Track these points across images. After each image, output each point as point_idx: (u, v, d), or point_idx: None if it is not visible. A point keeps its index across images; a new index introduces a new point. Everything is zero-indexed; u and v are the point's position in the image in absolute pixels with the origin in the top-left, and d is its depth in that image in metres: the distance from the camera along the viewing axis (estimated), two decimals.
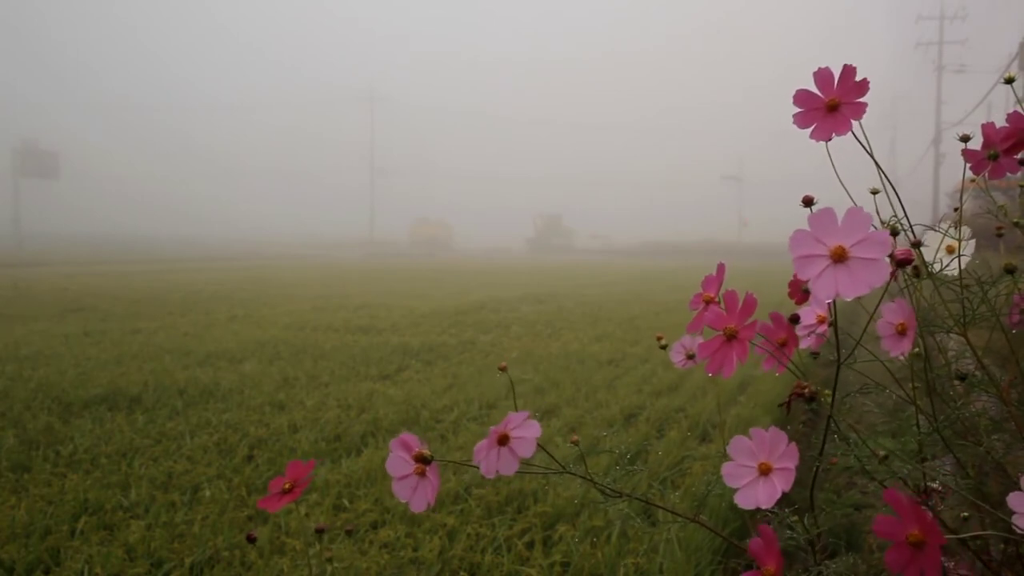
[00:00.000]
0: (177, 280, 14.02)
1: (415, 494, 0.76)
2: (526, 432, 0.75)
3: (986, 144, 0.91)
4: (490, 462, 0.74)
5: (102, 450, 3.03)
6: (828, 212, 0.65)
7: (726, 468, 0.74)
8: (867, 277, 0.63)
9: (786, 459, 0.72)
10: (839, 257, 0.64)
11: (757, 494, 0.71)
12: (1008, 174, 0.91)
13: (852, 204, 0.69)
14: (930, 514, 0.61)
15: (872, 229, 0.63)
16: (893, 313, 0.79)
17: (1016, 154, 0.90)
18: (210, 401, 3.92)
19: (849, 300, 0.69)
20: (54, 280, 13.54)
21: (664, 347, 0.99)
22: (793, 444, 0.72)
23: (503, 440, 0.74)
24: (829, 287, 0.64)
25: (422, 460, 0.74)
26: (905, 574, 0.60)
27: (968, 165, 0.91)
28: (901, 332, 0.78)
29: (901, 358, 0.88)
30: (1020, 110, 0.90)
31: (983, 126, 0.91)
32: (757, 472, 0.72)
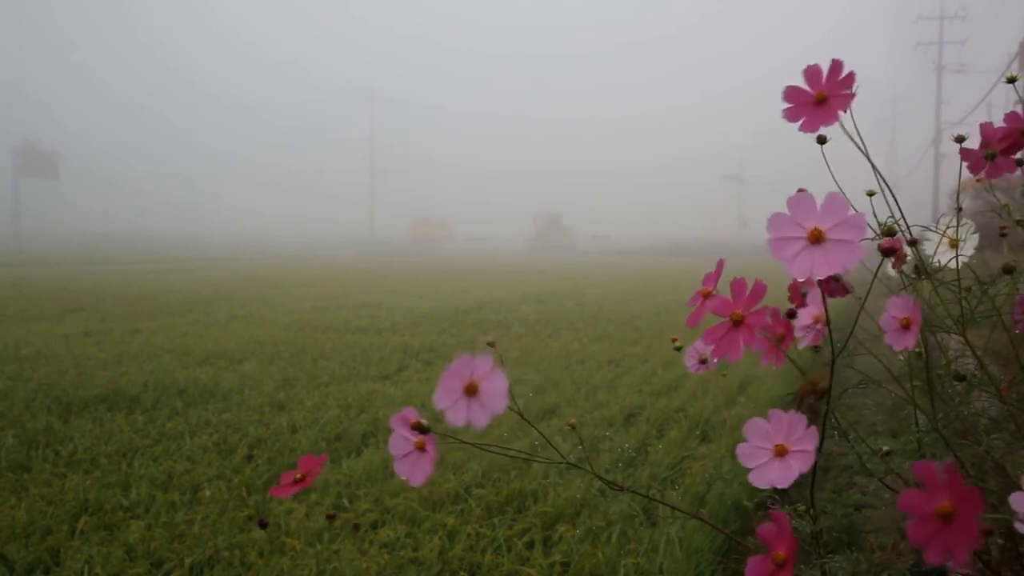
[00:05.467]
0: (177, 280, 14.02)
1: (415, 469, 0.77)
2: (495, 384, 0.73)
3: (984, 144, 0.91)
4: (458, 412, 0.73)
5: (102, 450, 3.03)
6: (806, 196, 0.66)
7: (741, 448, 0.74)
8: (842, 258, 0.64)
9: (804, 441, 0.71)
10: (816, 239, 0.65)
11: (771, 474, 0.71)
12: (1006, 174, 0.92)
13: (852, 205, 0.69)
14: (966, 482, 0.58)
15: (850, 212, 0.65)
16: (898, 308, 0.79)
17: (1013, 154, 0.90)
18: (210, 401, 3.92)
19: (851, 289, 0.69)
20: (54, 280, 13.54)
21: (679, 349, 0.99)
22: (813, 427, 0.71)
23: (472, 390, 0.73)
24: (804, 267, 0.65)
25: (419, 429, 0.75)
26: (928, 548, 0.57)
27: (966, 165, 0.92)
28: (905, 327, 0.78)
29: (902, 357, 0.88)
30: (1020, 110, 0.90)
31: (982, 126, 0.92)
32: (772, 453, 0.72)
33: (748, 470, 0.73)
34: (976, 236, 0.95)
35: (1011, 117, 0.90)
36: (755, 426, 0.74)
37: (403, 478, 0.78)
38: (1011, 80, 0.93)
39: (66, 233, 46.35)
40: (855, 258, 0.64)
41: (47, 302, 9.12)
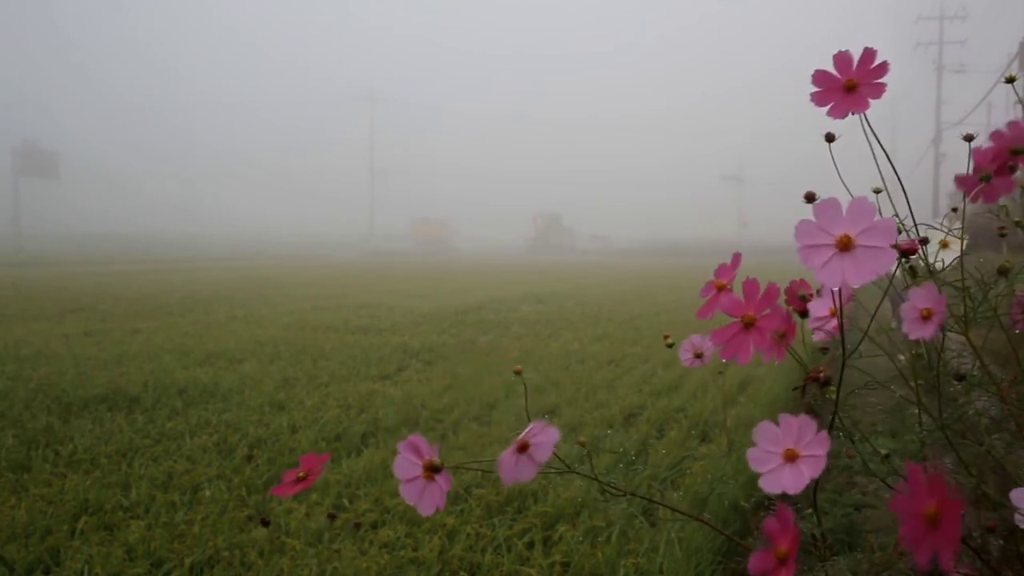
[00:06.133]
0: (177, 280, 14.02)
1: (423, 497, 0.74)
2: (544, 438, 0.75)
3: (977, 168, 0.91)
4: (508, 470, 0.74)
5: (102, 450, 3.03)
6: (833, 202, 0.65)
7: (751, 453, 0.73)
8: (873, 265, 0.63)
9: (815, 446, 0.71)
10: (845, 246, 0.64)
11: (783, 479, 0.71)
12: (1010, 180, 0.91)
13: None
14: (949, 487, 0.58)
15: (877, 218, 0.64)
16: (921, 298, 0.78)
17: (1005, 173, 0.90)
18: (210, 401, 3.92)
19: (854, 290, 0.69)
20: (54, 280, 13.54)
21: (671, 346, 0.99)
22: (823, 432, 0.71)
23: (523, 448, 0.74)
24: (836, 275, 0.64)
25: (432, 469, 0.73)
26: (918, 551, 0.57)
27: (963, 192, 0.92)
28: (925, 317, 0.78)
29: (902, 358, 0.88)
30: (1019, 110, 0.91)
31: (974, 151, 0.92)
32: (782, 458, 0.72)
33: (748, 470, 0.73)
34: (964, 240, 0.95)
35: (996, 136, 0.91)
36: (765, 430, 0.73)
37: (410, 503, 0.75)
38: (1010, 80, 0.93)
39: (66, 233, 46.33)
40: (887, 264, 0.63)
41: (47, 302, 9.12)
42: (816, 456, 0.71)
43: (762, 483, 0.72)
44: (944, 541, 0.57)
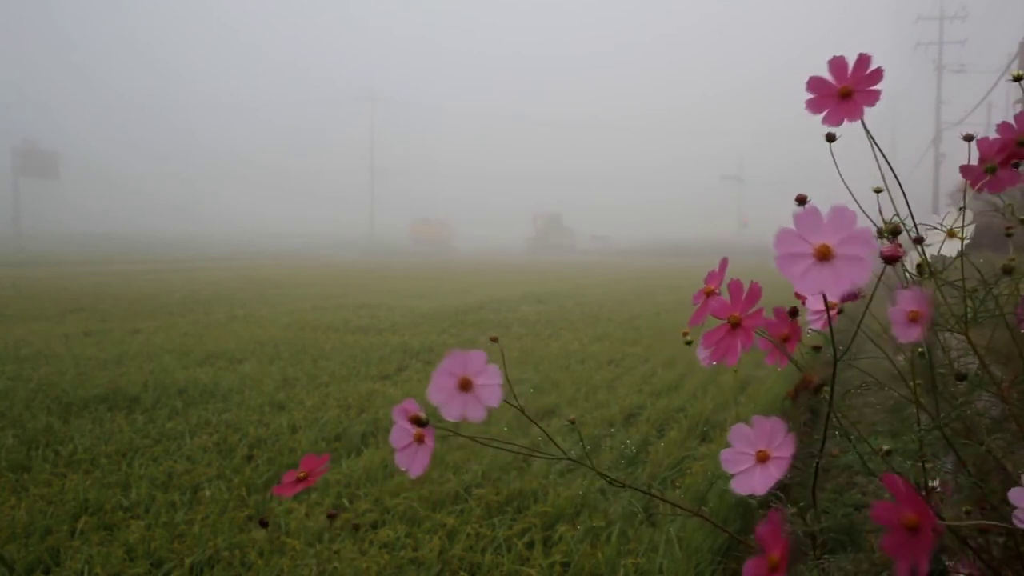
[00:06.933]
0: (177, 280, 14.02)
1: (414, 460, 0.78)
2: (489, 379, 0.74)
3: (982, 159, 0.91)
4: (454, 407, 0.74)
5: (102, 450, 3.03)
6: (813, 211, 0.65)
7: (725, 454, 0.74)
8: (851, 275, 0.63)
9: (783, 448, 0.72)
10: (824, 255, 0.63)
11: (753, 481, 0.72)
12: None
13: (855, 204, 0.69)
14: (924, 500, 0.59)
15: (857, 227, 0.63)
16: (909, 301, 0.79)
17: (1011, 165, 0.90)
18: (210, 401, 3.92)
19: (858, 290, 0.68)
20: (54, 280, 13.53)
21: (689, 343, 1.00)
22: (791, 434, 0.72)
23: (466, 385, 0.74)
24: (814, 285, 0.64)
25: (417, 422, 0.76)
26: (899, 560, 0.58)
27: (967, 182, 0.91)
28: (913, 320, 0.78)
29: (902, 358, 0.88)
30: (1019, 110, 0.90)
31: (978, 142, 0.92)
32: (755, 460, 0.72)
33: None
34: (972, 227, 0.95)
35: (1004, 128, 0.90)
36: (739, 432, 0.74)
37: (402, 469, 0.78)
38: (1017, 78, 0.92)
39: (66, 233, 46.31)
40: (865, 274, 0.63)
41: (47, 302, 9.12)
42: (783, 458, 0.71)
43: (734, 484, 0.72)
44: (921, 548, 0.57)
